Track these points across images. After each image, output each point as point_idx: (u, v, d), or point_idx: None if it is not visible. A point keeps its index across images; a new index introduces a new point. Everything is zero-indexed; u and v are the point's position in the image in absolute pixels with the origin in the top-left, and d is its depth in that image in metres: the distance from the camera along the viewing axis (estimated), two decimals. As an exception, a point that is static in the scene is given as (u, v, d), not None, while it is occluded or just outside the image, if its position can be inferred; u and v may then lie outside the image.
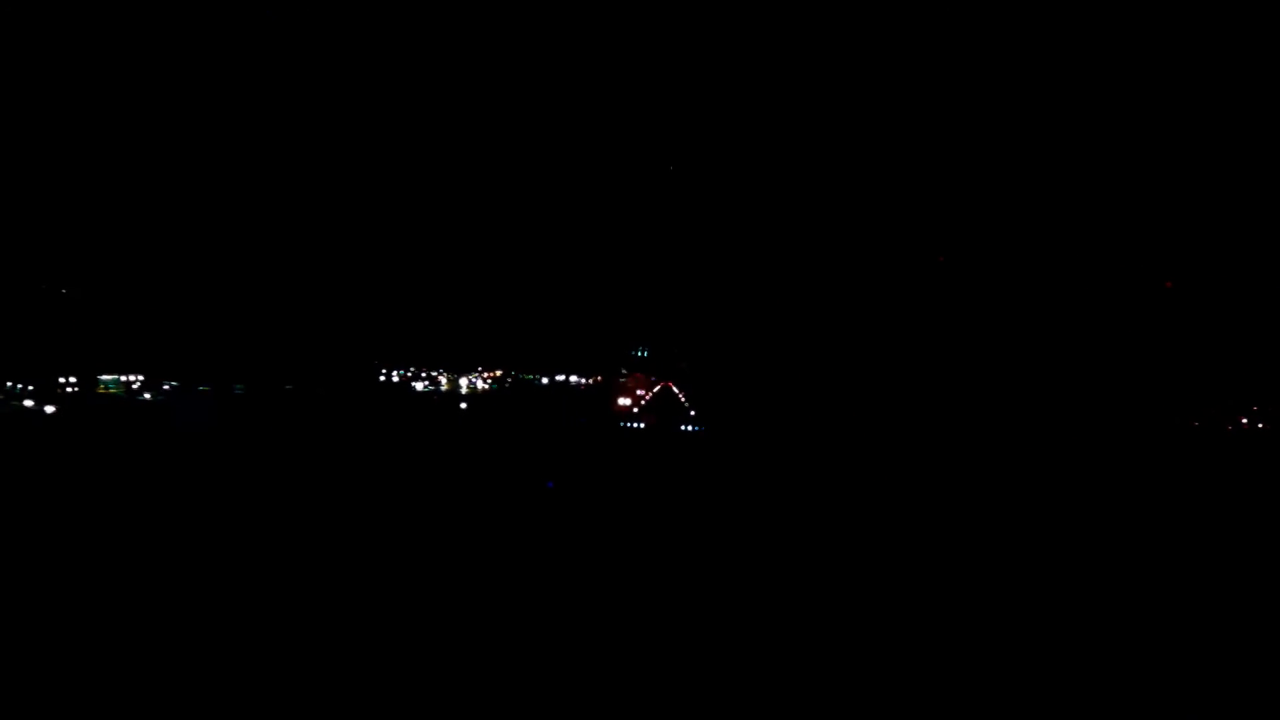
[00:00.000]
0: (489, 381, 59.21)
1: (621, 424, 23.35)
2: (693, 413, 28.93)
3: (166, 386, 43.07)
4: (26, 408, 24.07)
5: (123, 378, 44.91)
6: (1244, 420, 36.96)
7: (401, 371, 53.56)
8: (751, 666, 5.09)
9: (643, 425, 23.50)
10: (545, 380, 68.86)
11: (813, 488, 13.72)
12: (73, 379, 40.84)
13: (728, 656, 5.21)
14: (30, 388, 29.60)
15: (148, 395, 35.58)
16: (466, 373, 59.76)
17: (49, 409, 25.36)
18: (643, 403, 38.03)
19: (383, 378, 50.06)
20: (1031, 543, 9.52)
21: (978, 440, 26.62)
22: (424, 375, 53.63)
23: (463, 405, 33.23)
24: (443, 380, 53.50)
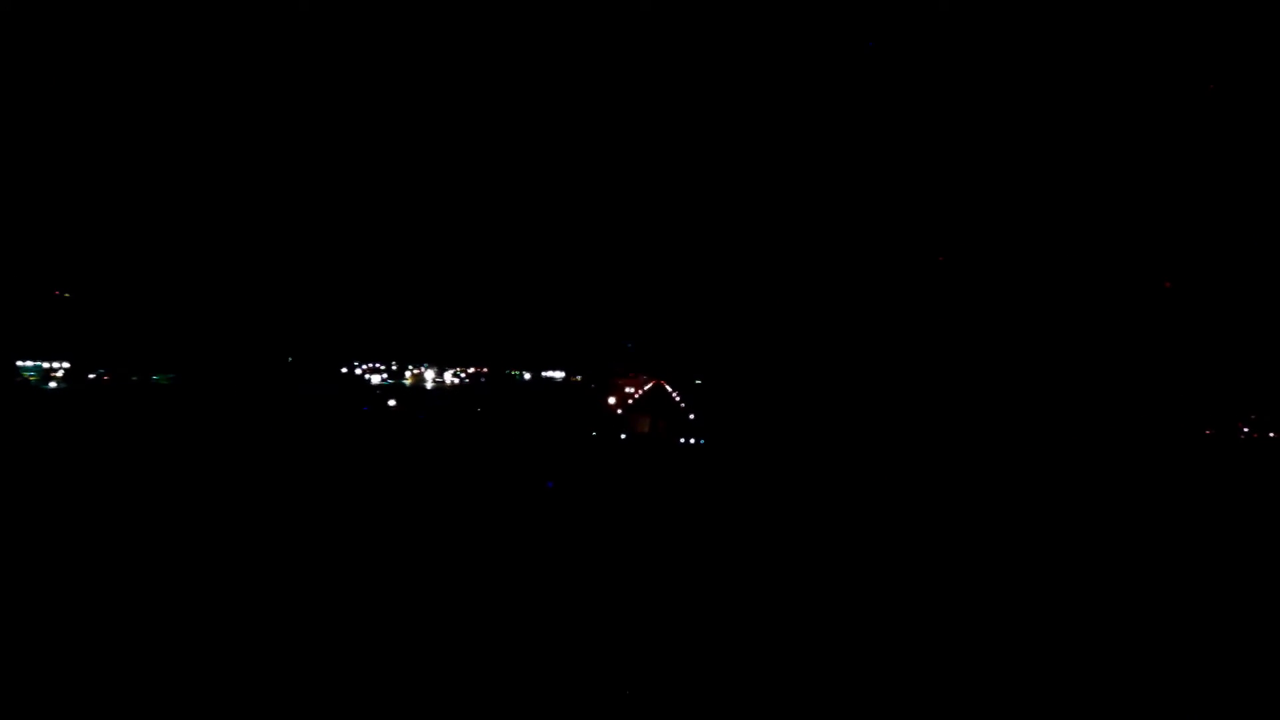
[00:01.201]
0: (463, 377, 54.84)
1: (620, 436, 19.57)
2: (692, 416, 24.82)
3: (92, 375, 38.83)
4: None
5: (45, 364, 40.63)
6: (1246, 429, 34.73)
7: (369, 365, 49.24)
8: (748, 668, 5.14)
9: (629, 437, 19.61)
10: (528, 376, 64.69)
11: (815, 490, 13.38)
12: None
13: (726, 657, 5.26)
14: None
15: (53, 384, 31.49)
16: (444, 367, 55.46)
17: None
18: (633, 403, 33.86)
19: (344, 370, 45.80)
20: (1037, 557, 9.22)
21: (981, 444, 25.46)
22: (388, 369, 49.24)
23: (391, 402, 29.35)
24: (407, 375, 49.17)
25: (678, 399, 39.26)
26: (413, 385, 43.56)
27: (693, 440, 19.36)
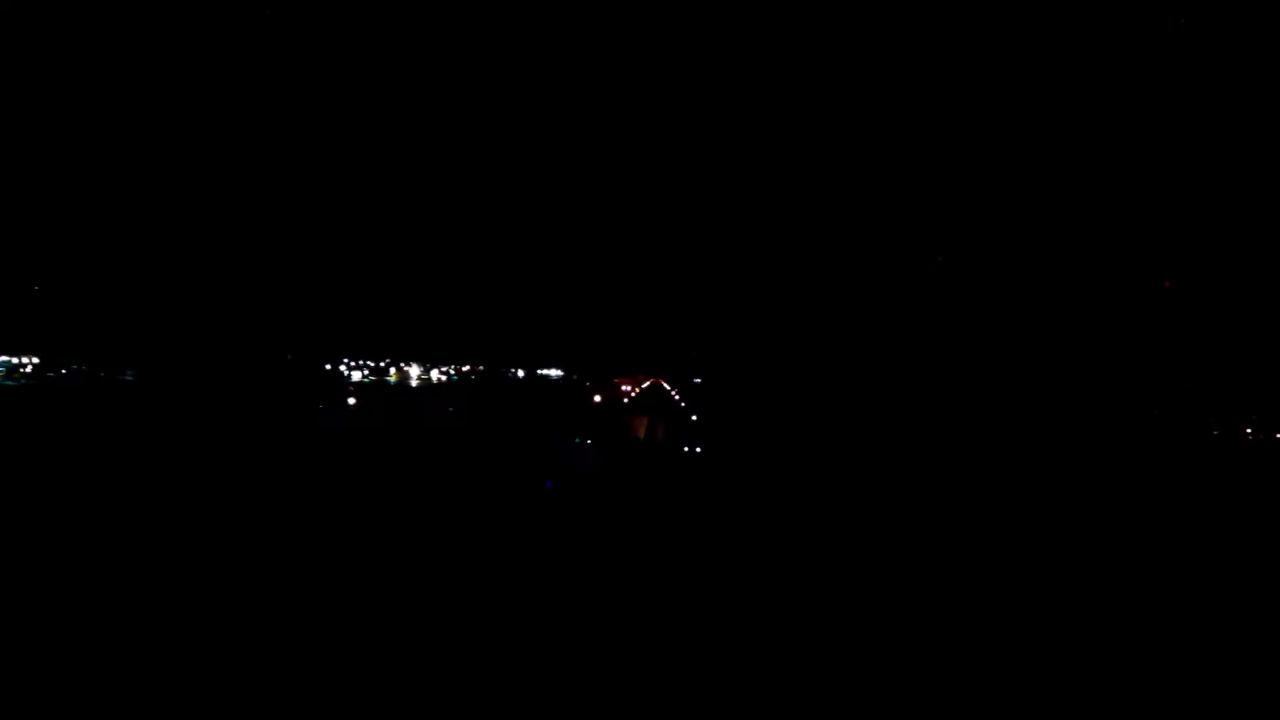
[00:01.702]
0: (450, 374, 53.00)
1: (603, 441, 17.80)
2: (694, 418, 22.96)
3: (63, 371, 37.11)
4: None
5: (13, 360, 38.88)
6: (1249, 430, 34.03)
7: (355, 361, 47.54)
8: (748, 668, 5.20)
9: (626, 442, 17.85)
10: (521, 373, 62.96)
11: (816, 493, 13.22)
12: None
13: (724, 657, 5.34)
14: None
15: (20, 380, 29.84)
16: (434, 364, 53.66)
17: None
18: (630, 404, 31.96)
19: (328, 367, 44.06)
20: (1046, 560, 8.88)
21: (989, 443, 24.97)
22: (375, 365, 47.49)
23: (351, 400, 27.79)
24: (392, 372, 47.34)
25: (678, 399, 37.31)
26: (396, 383, 41.80)
27: (698, 449, 17.50)
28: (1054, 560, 8.95)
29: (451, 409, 26.39)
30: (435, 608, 6.05)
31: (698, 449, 17.25)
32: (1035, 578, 8.04)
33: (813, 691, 4.93)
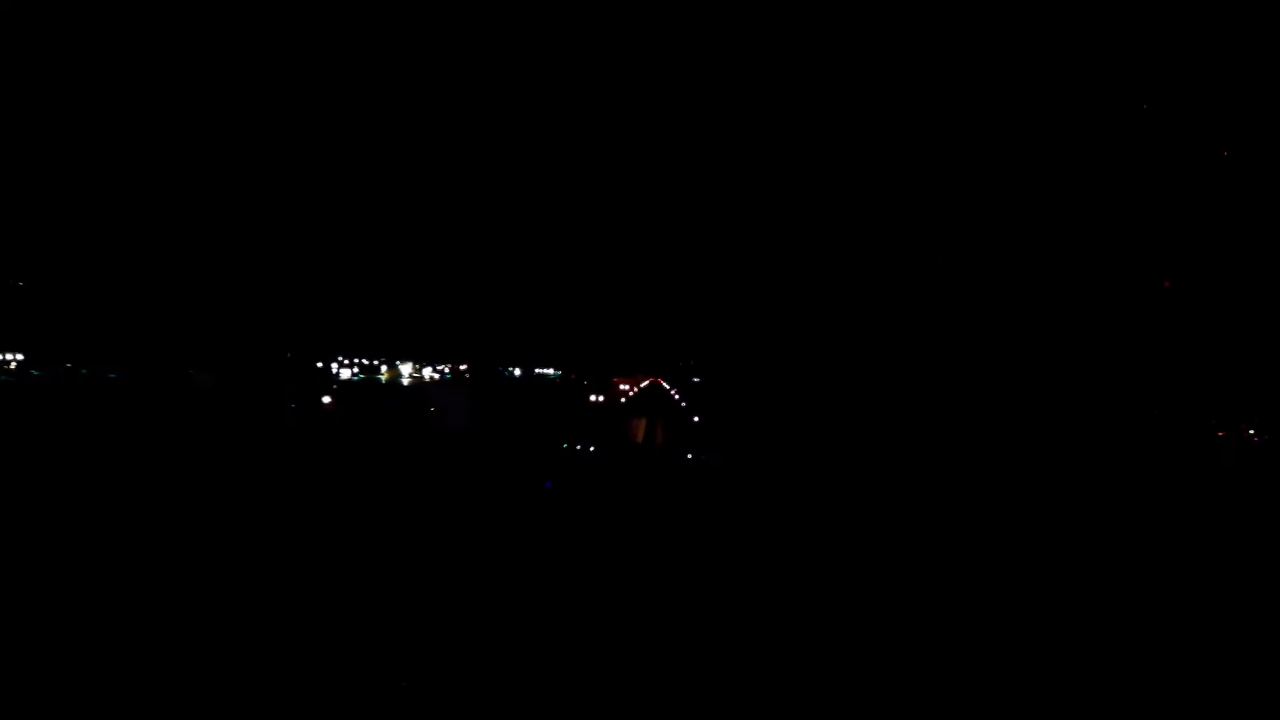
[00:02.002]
0: (444, 372, 52.39)
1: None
2: (695, 419, 22.42)
3: (49, 369, 36.46)
4: None
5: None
6: (1251, 431, 34.03)
7: (347, 360, 46.92)
8: (748, 667, 5.26)
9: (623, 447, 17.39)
10: (519, 372, 62.50)
11: (817, 493, 13.11)
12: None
13: (723, 656, 5.40)
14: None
15: (3, 377, 29.29)
16: (427, 363, 53.09)
17: None
18: (628, 405, 31.43)
19: (320, 365, 43.45)
20: (1060, 563, 8.62)
21: (987, 448, 25.39)
22: (370, 364, 46.88)
23: (326, 399, 27.48)
24: (384, 371, 46.72)
25: (678, 399, 36.87)
26: (387, 381, 41.17)
27: (702, 457, 16.91)
28: (1058, 561, 8.77)
29: (433, 409, 26.00)
30: (431, 609, 5.90)
31: (702, 457, 16.63)
32: (1040, 579, 7.95)
33: (812, 695, 4.88)
